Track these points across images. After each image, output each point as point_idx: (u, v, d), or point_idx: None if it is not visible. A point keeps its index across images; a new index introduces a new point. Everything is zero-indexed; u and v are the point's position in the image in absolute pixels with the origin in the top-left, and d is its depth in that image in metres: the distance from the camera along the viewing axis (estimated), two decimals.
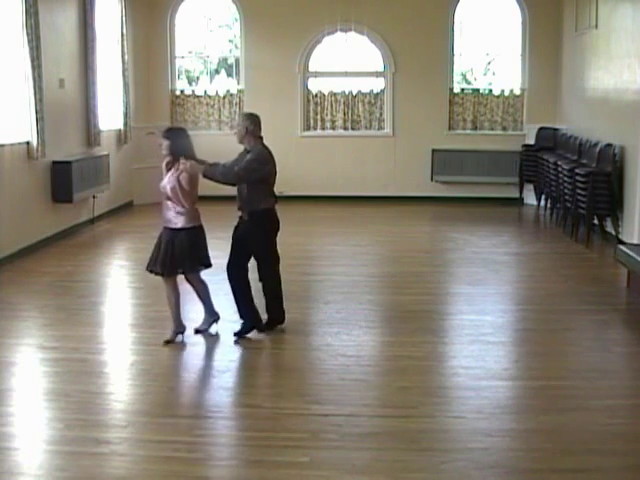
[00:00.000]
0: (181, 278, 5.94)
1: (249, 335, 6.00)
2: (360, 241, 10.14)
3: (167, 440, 4.30)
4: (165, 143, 5.72)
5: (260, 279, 6.12)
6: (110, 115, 11.58)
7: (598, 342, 6.16)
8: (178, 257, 5.71)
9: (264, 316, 6.11)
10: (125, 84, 11.87)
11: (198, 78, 14.08)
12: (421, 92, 13.00)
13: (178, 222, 5.71)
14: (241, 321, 6.05)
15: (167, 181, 5.72)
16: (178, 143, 5.72)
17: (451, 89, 13.13)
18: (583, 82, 11.25)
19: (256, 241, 6.02)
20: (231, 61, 13.71)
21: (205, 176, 5.77)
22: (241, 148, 6.10)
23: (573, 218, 9.83)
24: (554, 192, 10.88)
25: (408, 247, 9.79)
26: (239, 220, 6.07)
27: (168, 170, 5.76)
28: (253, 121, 5.98)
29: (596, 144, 9.87)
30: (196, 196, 5.79)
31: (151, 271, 5.83)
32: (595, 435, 4.39)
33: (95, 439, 4.29)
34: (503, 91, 13.19)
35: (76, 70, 10.41)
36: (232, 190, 6.08)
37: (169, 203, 5.73)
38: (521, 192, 12.79)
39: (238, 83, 13.38)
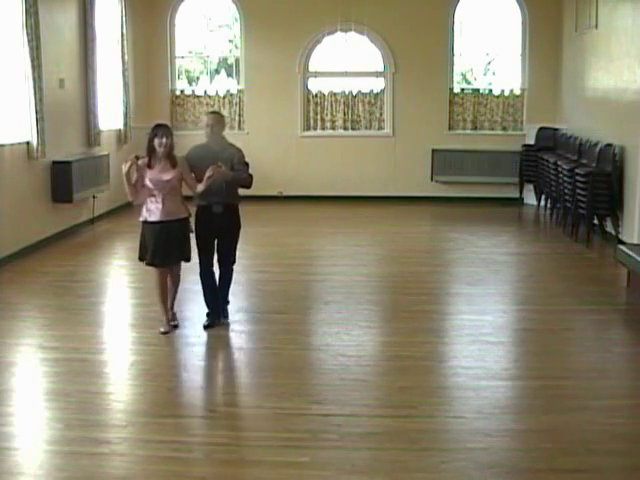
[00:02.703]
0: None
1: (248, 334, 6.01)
2: (360, 241, 10.14)
3: (167, 440, 4.30)
4: (169, 141, 5.90)
5: (224, 271, 6.34)
6: (110, 115, 11.59)
7: (598, 342, 6.16)
8: (176, 246, 6.05)
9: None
10: (125, 84, 11.88)
11: (198, 78, 14.08)
12: (421, 92, 13.00)
13: (180, 213, 6.03)
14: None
15: (169, 175, 5.92)
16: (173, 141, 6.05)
17: (451, 89, 13.13)
18: (583, 82, 11.25)
19: (232, 234, 6.25)
20: (231, 61, 13.71)
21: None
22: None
23: (573, 218, 9.83)
24: (554, 192, 10.88)
25: (408, 247, 9.78)
26: (209, 214, 6.07)
27: (150, 166, 5.92)
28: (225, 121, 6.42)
29: (596, 144, 9.87)
30: None
31: (166, 264, 6.10)
32: (595, 435, 4.38)
33: (95, 439, 4.29)
34: (503, 91, 13.19)
35: (76, 70, 10.41)
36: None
37: (168, 196, 5.95)
38: (521, 192, 12.80)
39: (238, 83, 13.39)
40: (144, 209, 6.03)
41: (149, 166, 5.92)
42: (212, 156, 5.98)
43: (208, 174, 5.80)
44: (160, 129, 5.92)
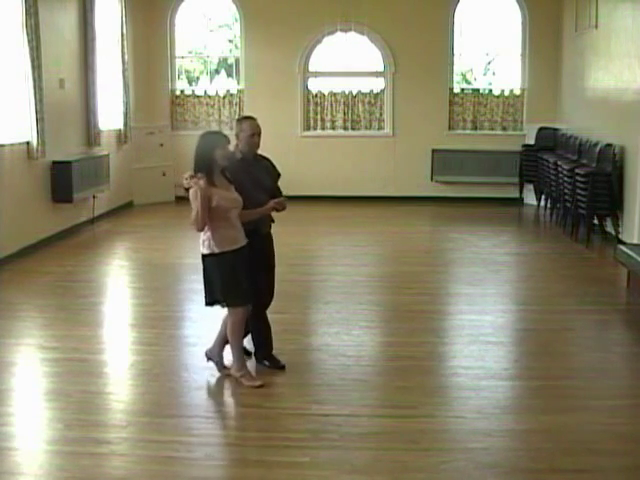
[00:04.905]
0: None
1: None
2: (360, 241, 10.14)
3: (167, 440, 4.30)
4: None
5: (267, 304, 5.47)
6: (110, 115, 11.59)
7: (598, 342, 6.17)
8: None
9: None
10: (125, 84, 11.88)
11: (198, 78, 14.08)
12: (421, 92, 13.00)
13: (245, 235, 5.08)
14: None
15: (234, 192, 4.98)
16: None
17: (451, 89, 13.13)
18: (583, 82, 11.25)
19: (274, 261, 5.51)
20: (231, 61, 13.72)
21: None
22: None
23: (573, 218, 9.83)
24: (554, 192, 10.88)
25: (408, 247, 9.79)
26: (256, 237, 5.19)
27: (213, 182, 4.87)
28: None
29: (596, 144, 9.87)
30: None
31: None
32: (595, 435, 4.39)
33: (95, 439, 4.29)
34: (503, 91, 13.19)
35: (76, 70, 10.42)
36: None
37: (238, 218, 4.99)
38: (521, 192, 12.79)
39: (238, 83, 13.39)
40: (217, 238, 4.88)
41: (212, 184, 4.85)
42: (246, 169, 5.18)
43: (274, 205, 5.17)
44: (222, 138, 4.98)
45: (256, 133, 5.20)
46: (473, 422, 4.52)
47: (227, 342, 5.21)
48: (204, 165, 4.86)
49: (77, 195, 9.85)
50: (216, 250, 4.89)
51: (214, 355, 5.29)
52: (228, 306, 5.03)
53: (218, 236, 4.89)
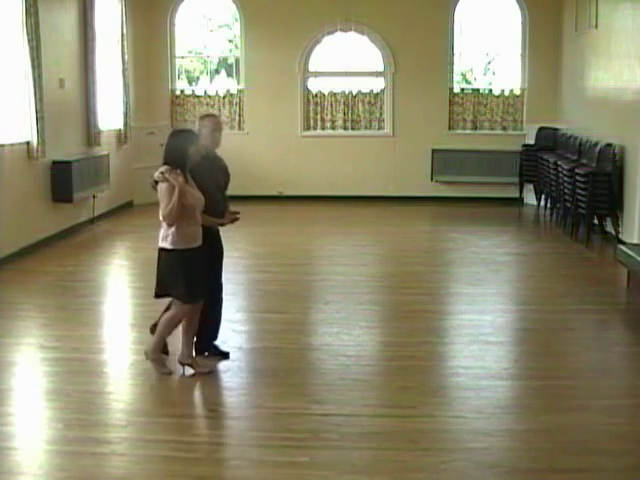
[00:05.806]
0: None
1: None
2: (360, 241, 10.14)
3: (167, 440, 4.30)
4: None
5: (219, 301, 5.59)
6: (110, 115, 11.58)
7: (598, 342, 6.16)
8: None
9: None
10: (125, 84, 11.87)
11: (198, 78, 14.08)
12: (421, 92, 12.99)
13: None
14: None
15: (199, 191, 5.07)
16: None
17: (451, 89, 13.13)
18: (583, 82, 11.25)
19: (222, 251, 5.62)
20: (231, 61, 13.71)
21: None
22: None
23: (573, 218, 9.83)
24: (554, 192, 10.88)
25: (408, 247, 9.78)
26: (210, 233, 5.29)
27: (186, 180, 5.00)
28: None
29: (596, 144, 9.87)
30: None
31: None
32: (595, 435, 4.39)
33: (95, 439, 4.29)
34: (503, 91, 13.19)
35: (76, 70, 10.41)
36: None
37: (199, 218, 5.11)
38: (521, 192, 12.79)
39: (238, 83, 13.39)
40: (180, 234, 4.97)
41: (186, 182, 4.96)
42: (210, 169, 5.29)
43: (231, 220, 5.40)
44: (195, 136, 5.12)
45: (217, 129, 5.35)
46: (473, 422, 4.53)
47: (193, 338, 5.27)
48: (181, 162, 4.96)
49: (77, 195, 9.85)
50: (178, 247, 4.99)
51: (185, 358, 5.26)
52: (184, 302, 5.07)
53: (182, 232, 4.98)
